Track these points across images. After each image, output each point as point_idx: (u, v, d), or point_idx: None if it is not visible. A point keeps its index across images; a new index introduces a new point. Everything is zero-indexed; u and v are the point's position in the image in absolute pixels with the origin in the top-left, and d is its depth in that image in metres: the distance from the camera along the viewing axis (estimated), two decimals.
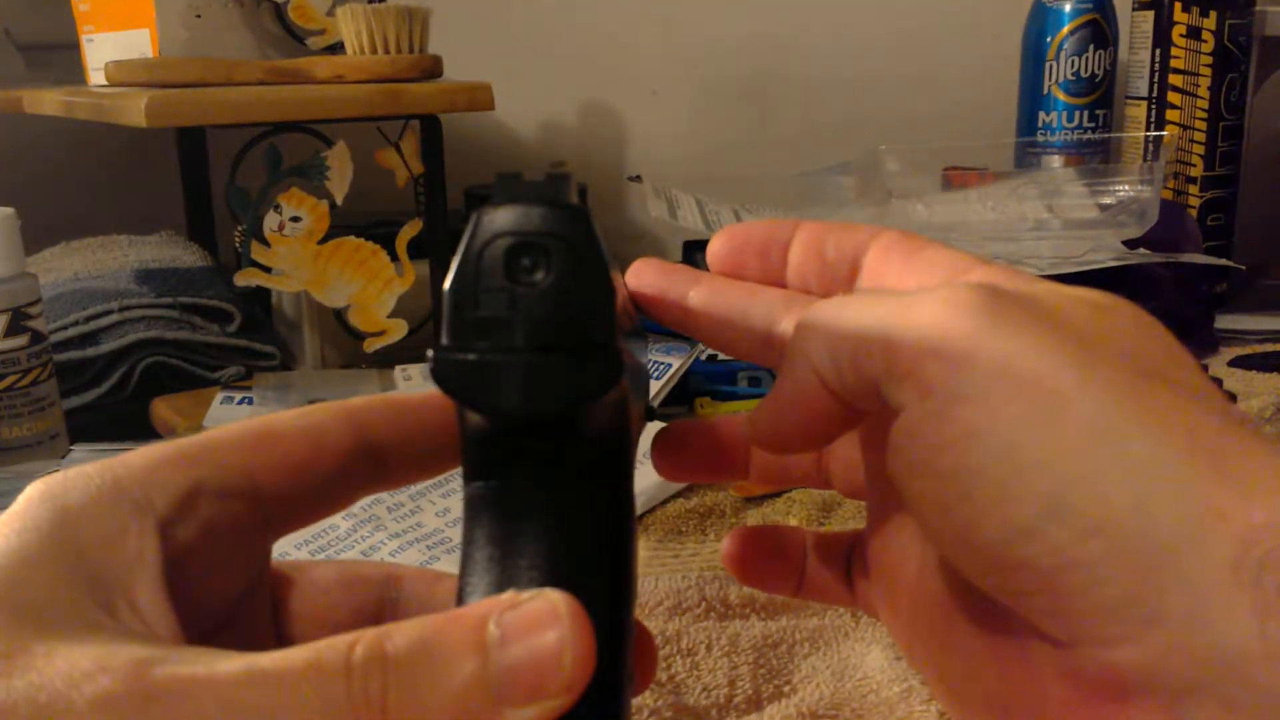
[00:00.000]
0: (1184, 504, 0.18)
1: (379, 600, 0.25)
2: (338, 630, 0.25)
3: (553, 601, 0.18)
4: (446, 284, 0.21)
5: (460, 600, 0.21)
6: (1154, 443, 0.18)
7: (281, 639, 0.24)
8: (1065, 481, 0.18)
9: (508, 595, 0.19)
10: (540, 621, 0.18)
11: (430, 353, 0.20)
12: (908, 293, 0.22)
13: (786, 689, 0.38)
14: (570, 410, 0.21)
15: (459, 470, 0.23)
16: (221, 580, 0.22)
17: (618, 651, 0.21)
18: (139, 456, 0.21)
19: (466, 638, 0.18)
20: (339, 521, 0.51)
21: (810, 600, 0.31)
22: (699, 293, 0.27)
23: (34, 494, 0.20)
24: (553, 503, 0.22)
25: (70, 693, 0.17)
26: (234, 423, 0.23)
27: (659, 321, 0.28)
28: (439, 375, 0.20)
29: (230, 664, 0.17)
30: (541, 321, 0.20)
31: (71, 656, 0.17)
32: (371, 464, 0.24)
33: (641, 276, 0.27)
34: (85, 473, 0.21)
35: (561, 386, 0.20)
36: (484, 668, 0.18)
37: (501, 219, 0.21)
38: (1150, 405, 0.19)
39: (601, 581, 0.22)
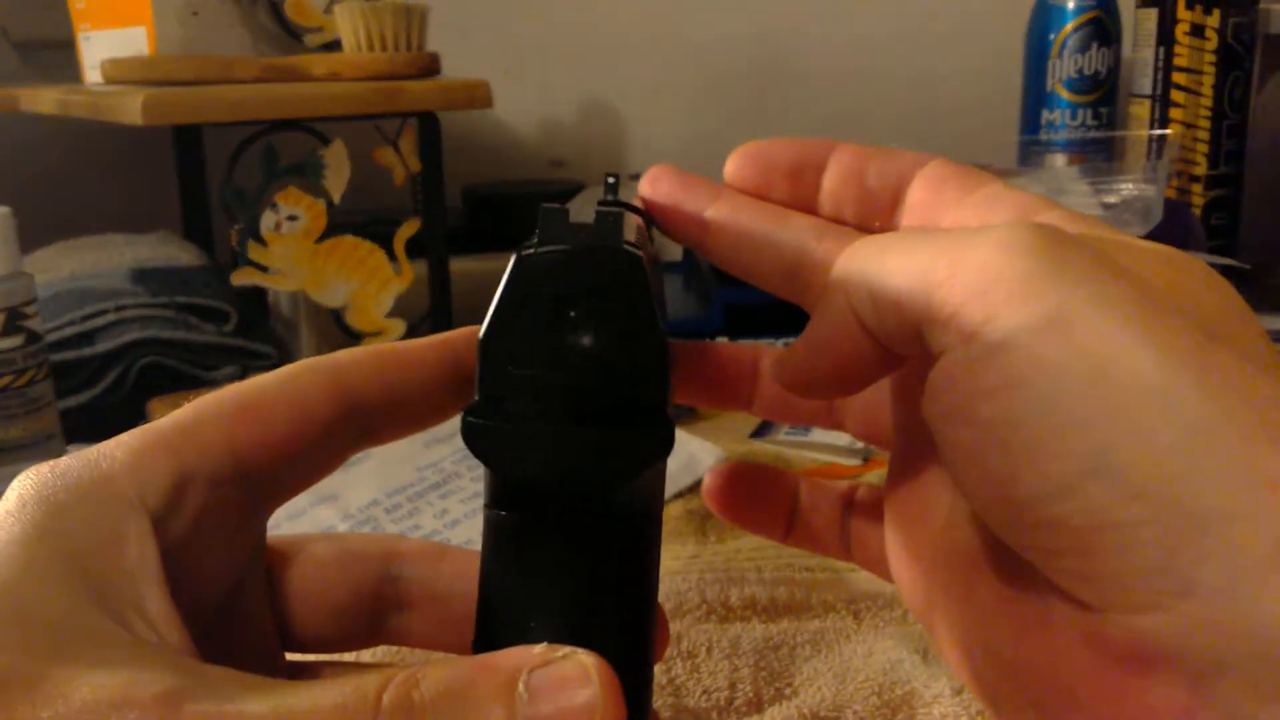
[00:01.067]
0: (1236, 473, 0.17)
1: (379, 577, 0.25)
2: (337, 610, 0.24)
3: (584, 665, 0.18)
4: (481, 333, 0.19)
5: (482, 634, 0.21)
6: (1212, 406, 0.17)
7: (280, 619, 0.24)
8: (1111, 439, 0.17)
9: (540, 650, 0.18)
10: (571, 683, 0.18)
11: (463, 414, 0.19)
12: (961, 230, 0.20)
13: (788, 691, 0.38)
14: (614, 485, 0.19)
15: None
16: (217, 568, 0.22)
17: (642, 710, 0.20)
18: (122, 448, 0.21)
19: (496, 691, 0.18)
20: (337, 523, 0.51)
21: (799, 547, 0.29)
22: (719, 209, 0.25)
23: (25, 493, 0.20)
24: (585, 545, 0.20)
25: None
26: (212, 395, 0.22)
27: (673, 236, 0.25)
28: (471, 442, 0.19)
29: (258, 703, 0.17)
30: (588, 386, 0.18)
31: (95, 683, 0.17)
32: (358, 424, 0.23)
33: (658, 185, 0.25)
34: (72, 469, 0.20)
35: (606, 461, 0.19)
36: None
37: (546, 265, 0.18)
38: (1212, 367, 0.18)
39: (630, 635, 0.20)
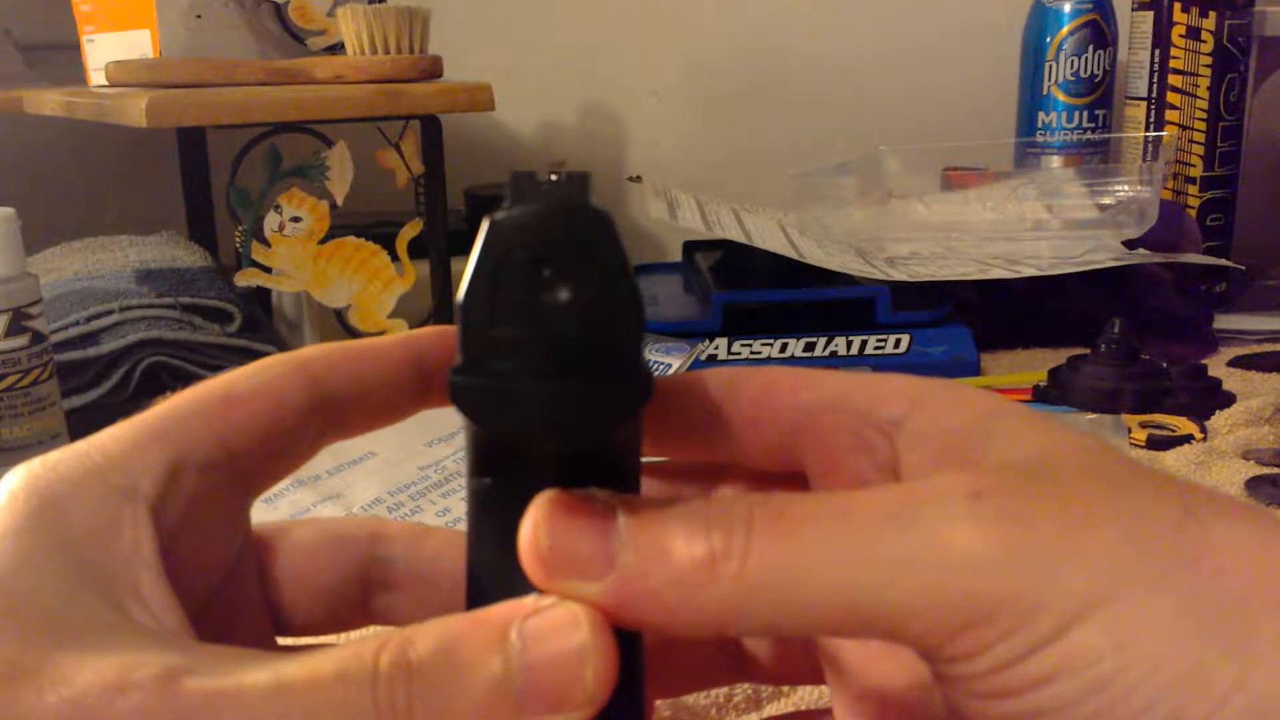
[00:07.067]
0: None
1: (365, 559, 0.25)
2: (324, 592, 0.24)
3: (573, 611, 0.18)
4: (459, 297, 0.19)
5: (471, 596, 0.21)
6: (1240, 663, 0.17)
7: (269, 604, 0.24)
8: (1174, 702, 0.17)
9: (530, 600, 0.19)
10: (561, 629, 0.18)
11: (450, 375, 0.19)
12: (883, 509, 0.19)
13: (786, 688, 0.38)
14: (600, 435, 0.20)
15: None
16: (210, 555, 0.22)
17: (635, 665, 0.20)
18: (113, 440, 0.21)
19: (489, 643, 0.18)
20: None
21: None
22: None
23: (16, 488, 0.20)
24: None
25: (103, 709, 0.17)
26: (192, 389, 0.22)
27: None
28: (458, 400, 0.19)
29: (258, 674, 0.17)
30: (568, 340, 0.19)
31: (98, 667, 0.17)
32: (328, 415, 0.23)
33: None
34: (64, 460, 0.20)
35: (591, 411, 0.19)
36: (506, 673, 0.18)
37: (518, 226, 0.19)
38: (1213, 599, 0.18)
39: None
